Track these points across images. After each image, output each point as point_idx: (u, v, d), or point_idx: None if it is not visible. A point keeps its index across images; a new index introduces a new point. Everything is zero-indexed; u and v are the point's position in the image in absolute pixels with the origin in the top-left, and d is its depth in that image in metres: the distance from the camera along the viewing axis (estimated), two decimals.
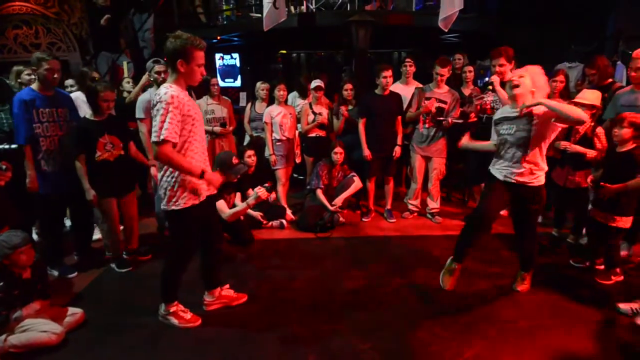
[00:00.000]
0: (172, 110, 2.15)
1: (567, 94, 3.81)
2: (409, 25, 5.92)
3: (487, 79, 4.62)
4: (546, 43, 6.22)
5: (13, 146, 1.77)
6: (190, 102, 2.31)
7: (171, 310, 2.57)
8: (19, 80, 3.51)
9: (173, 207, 2.32)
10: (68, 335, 2.44)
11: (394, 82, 4.40)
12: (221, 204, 3.58)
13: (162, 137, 2.13)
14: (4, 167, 1.66)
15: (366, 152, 4.17)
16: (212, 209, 2.68)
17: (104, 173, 3.12)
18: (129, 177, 3.38)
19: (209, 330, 2.55)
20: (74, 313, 2.58)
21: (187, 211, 2.34)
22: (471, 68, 4.36)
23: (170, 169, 2.29)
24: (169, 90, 2.18)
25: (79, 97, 3.63)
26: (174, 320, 2.56)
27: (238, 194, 3.87)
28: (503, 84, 3.58)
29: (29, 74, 3.42)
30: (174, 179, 2.30)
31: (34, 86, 3.03)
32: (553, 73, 3.92)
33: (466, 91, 4.27)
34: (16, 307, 2.36)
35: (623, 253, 3.21)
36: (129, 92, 4.41)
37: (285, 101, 4.49)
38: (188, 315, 2.60)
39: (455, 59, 4.79)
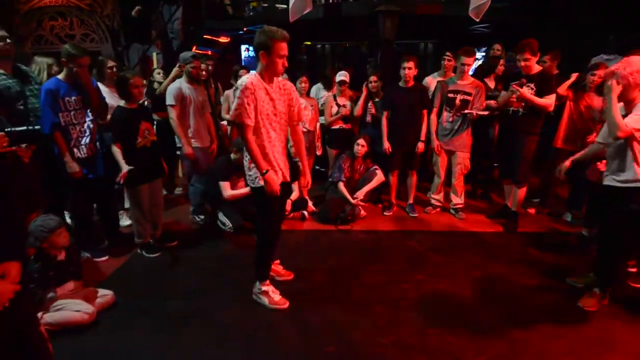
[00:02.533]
0: (248, 96, 2.31)
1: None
2: (437, 15, 5.77)
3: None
4: (583, 33, 5.92)
5: (36, 127, 1.92)
6: (268, 92, 2.41)
7: (263, 289, 2.70)
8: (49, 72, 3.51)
9: (253, 185, 2.51)
10: (99, 315, 2.56)
11: (429, 74, 4.36)
12: (225, 184, 3.76)
13: (241, 121, 2.32)
14: (24, 145, 1.80)
15: (386, 145, 4.15)
16: (286, 195, 2.82)
17: (143, 159, 3.24)
18: (159, 162, 3.49)
19: (230, 317, 2.62)
20: (105, 295, 2.70)
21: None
22: (502, 61, 4.26)
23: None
24: (248, 77, 2.36)
25: (99, 87, 3.74)
26: (265, 299, 2.69)
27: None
28: (529, 78, 3.48)
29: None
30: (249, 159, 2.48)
31: (61, 76, 3.10)
32: (592, 66, 3.74)
33: (491, 83, 4.16)
34: (51, 287, 2.49)
35: None
36: (160, 82, 4.52)
37: (307, 93, 4.49)
38: (277, 297, 2.71)
39: (495, 49, 4.66)
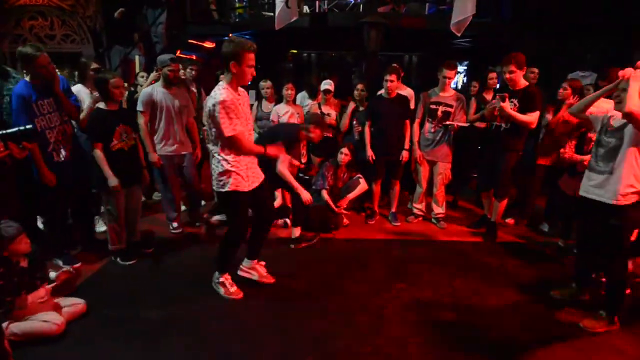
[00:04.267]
0: (225, 109, 2.42)
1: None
2: (421, 29, 5.90)
3: (497, 85, 4.58)
4: (561, 51, 6.14)
5: (28, 127, 1.88)
6: (239, 101, 2.52)
7: (221, 280, 2.87)
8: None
9: (220, 189, 2.65)
10: (69, 325, 2.45)
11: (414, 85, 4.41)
12: (286, 159, 3.49)
13: (229, 134, 2.44)
14: (21, 146, 1.78)
15: (369, 153, 4.18)
16: (265, 194, 2.94)
17: (119, 162, 3.15)
18: (138, 168, 3.40)
19: (208, 326, 2.55)
20: (76, 303, 2.59)
21: (233, 193, 2.62)
22: (494, 75, 4.36)
23: (219, 158, 2.58)
24: (221, 92, 2.44)
25: (80, 90, 3.64)
26: (221, 289, 2.86)
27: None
28: (514, 93, 3.53)
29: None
30: (222, 166, 2.58)
31: (29, 79, 2.95)
32: (566, 81, 3.87)
33: (489, 97, 4.27)
34: (21, 294, 2.36)
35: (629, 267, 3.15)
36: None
37: (294, 100, 4.49)
38: (233, 289, 2.86)
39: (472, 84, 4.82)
